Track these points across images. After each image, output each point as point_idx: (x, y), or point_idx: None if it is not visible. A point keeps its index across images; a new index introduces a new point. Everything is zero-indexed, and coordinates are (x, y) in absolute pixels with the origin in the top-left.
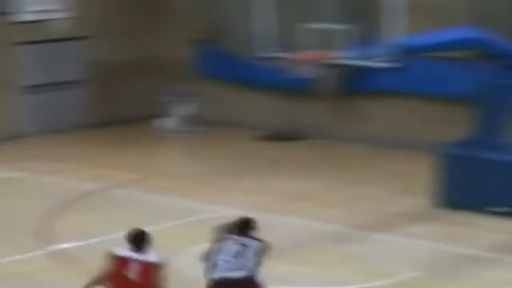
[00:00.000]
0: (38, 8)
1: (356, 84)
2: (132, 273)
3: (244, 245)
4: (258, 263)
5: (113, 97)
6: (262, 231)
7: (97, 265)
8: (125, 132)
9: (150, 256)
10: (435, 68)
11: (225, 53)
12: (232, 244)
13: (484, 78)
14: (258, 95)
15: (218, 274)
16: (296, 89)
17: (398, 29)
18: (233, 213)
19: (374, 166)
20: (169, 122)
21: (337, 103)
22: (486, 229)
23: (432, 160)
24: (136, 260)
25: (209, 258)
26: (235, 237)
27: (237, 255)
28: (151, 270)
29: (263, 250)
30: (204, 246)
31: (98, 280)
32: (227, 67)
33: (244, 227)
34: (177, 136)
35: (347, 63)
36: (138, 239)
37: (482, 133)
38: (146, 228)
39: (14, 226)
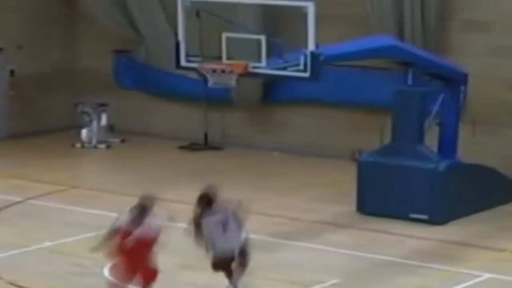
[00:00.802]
0: None
1: (275, 93)
2: (130, 243)
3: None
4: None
5: (32, 108)
6: (183, 243)
7: (17, 277)
8: (45, 144)
9: (146, 225)
10: (353, 77)
11: (141, 64)
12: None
13: (399, 86)
14: (177, 105)
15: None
16: (216, 99)
17: (315, 38)
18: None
19: (295, 175)
20: (88, 133)
21: (256, 113)
22: (405, 236)
23: (352, 168)
24: (133, 230)
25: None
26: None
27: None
28: (147, 240)
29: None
30: None
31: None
32: (146, 77)
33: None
34: (97, 147)
35: (266, 72)
36: (144, 206)
37: (398, 140)
38: (66, 240)
39: None
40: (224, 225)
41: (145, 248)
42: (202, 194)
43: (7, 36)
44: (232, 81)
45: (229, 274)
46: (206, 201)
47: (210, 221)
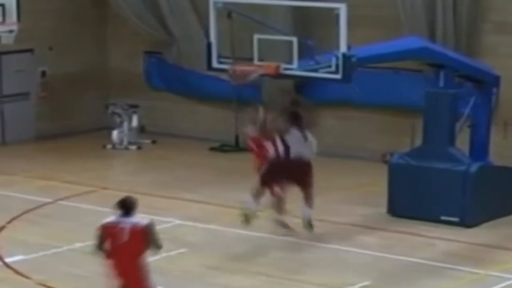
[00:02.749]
0: None
1: (306, 95)
2: (124, 236)
3: None
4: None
5: (62, 109)
6: (217, 242)
7: (46, 278)
8: (75, 145)
9: (137, 219)
10: (384, 78)
11: (173, 65)
12: None
13: (430, 88)
14: (208, 106)
15: None
16: (247, 100)
17: (345, 40)
18: (187, 225)
19: (325, 176)
20: (119, 134)
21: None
22: (436, 238)
23: (384, 170)
24: (125, 224)
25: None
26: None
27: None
28: (139, 232)
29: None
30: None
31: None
32: (177, 78)
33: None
34: (128, 148)
35: (296, 74)
36: (126, 205)
37: (429, 142)
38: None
39: None
40: (305, 135)
41: (139, 245)
42: (293, 111)
43: (38, 37)
44: (264, 83)
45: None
46: (294, 116)
47: (295, 131)
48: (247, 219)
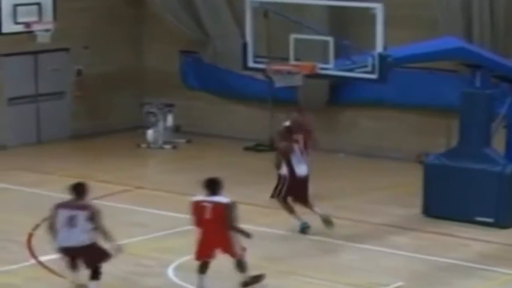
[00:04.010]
0: (24, 19)
1: (341, 95)
2: (207, 214)
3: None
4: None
5: (98, 108)
6: (251, 242)
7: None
8: (110, 144)
9: (220, 198)
10: (420, 79)
11: (210, 64)
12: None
13: (466, 88)
14: (243, 106)
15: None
16: (282, 100)
17: (381, 40)
18: None
19: (360, 176)
20: (154, 134)
21: (323, 114)
22: (470, 239)
23: (419, 171)
24: (209, 202)
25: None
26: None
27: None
28: (221, 209)
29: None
30: (191, 256)
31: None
32: (212, 78)
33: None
34: (162, 148)
35: (332, 73)
36: (211, 185)
37: (465, 143)
38: (130, 240)
39: None
40: (302, 152)
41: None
42: (287, 126)
43: (74, 36)
44: (298, 81)
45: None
46: (289, 131)
47: (296, 148)
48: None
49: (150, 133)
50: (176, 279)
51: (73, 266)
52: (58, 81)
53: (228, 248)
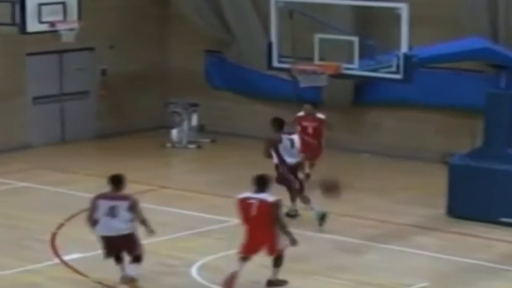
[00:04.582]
0: (49, 18)
1: (366, 95)
2: (253, 210)
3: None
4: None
5: (122, 107)
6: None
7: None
8: (135, 143)
9: (266, 195)
10: (445, 79)
11: (233, 64)
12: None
13: (493, 88)
14: (268, 106)
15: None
16: (307, 100)
17: (407, 40)
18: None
19: (384, 176)
20: (179, 133)
21: (347, 114)
22: (495, 240)
23: (444, 171)
24: (255, 199)
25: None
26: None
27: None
28: (266, 207)
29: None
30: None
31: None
32: (237, 78)
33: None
34: (187, 147)
35: (357, 74)
36: (260, 182)
37: (490, 144)
38: (154, 240)
39: (24, 236)
40: (292, 142)
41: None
42: (275, 118)
43: (99, 35)
44: (323, 81)
45: (290, 189)
46: (279, 124)
47: (285, 138)
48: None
49: (174, 132)
50: (199, 279)
51: (119, 258)
52: (82, 81)
53: (272, 246)
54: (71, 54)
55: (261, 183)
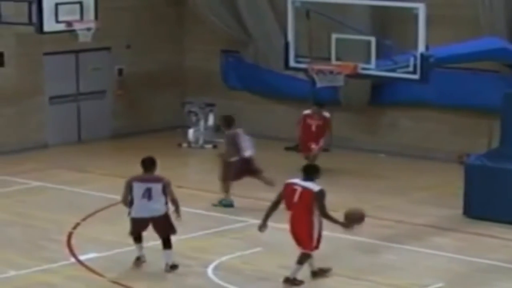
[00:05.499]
0: (66, 18)
1: (383, 95)
2: (296, 197)
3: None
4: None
5: (139, 107)
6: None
7: (120, 276)
8: (151, 143)
9: (311, 184)
10: (462, 79)
11: (250, 64)
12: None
13: (509, 89)
14: (285, 106)
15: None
16: (324, 99)
17: (423, 40)
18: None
19: (400, 177)
20: (195, 133)
21: (364, 114)
22: (510, 240)
23: (460, 172)
24: (300, 186)
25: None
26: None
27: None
28: (308, 195)
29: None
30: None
31: (275, 204)
32: (254, 77)
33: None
34: (203, 147)
35: (374, 74)
36: (308, 170)
37: (506, 144)
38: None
39: (39, 236)
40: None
41: (306, 207)
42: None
43: (116, 35)
44: (340, 81)
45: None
46: (228, 121)
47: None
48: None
49: (191, 132)
50: (215, 279)
51: (139, 238)
52: (99, 80)
53: (306, 238)
54: (87, 53)
55: (310, 172)
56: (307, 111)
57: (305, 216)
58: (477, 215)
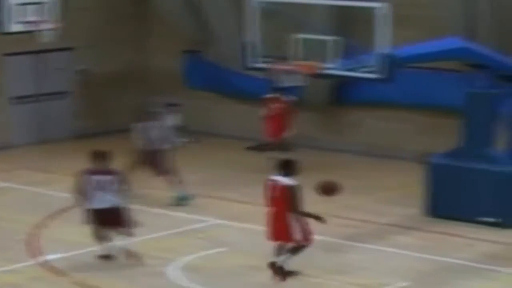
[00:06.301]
0: (27, 19)
1: (346, 94)
2: (271, 192)
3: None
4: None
5: (101, 107)
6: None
7: (84, 276)
8: (114, 143)
9: (286, 180)
10: (424, 79)
11: (212, 64)
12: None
13: (472, 88)
14: (247, 105)
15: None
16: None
17: (387, 40)
18: (225, 224)
19: (364, 176)
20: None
21: (327, 114)
22: (474, 239)
23: (422, 171)
24: (276, 182)
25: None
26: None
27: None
28: (282, 190)
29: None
30: (195, 256)
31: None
32: (216, 77)
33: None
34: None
35: (337, 73)
36: (283, 165)
37: (471, 143)
38: (132, 240)
39: (4, 236)
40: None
41: (284, 202)
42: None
43: (78, 35)
44: (302, 81)
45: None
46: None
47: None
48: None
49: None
50: (177, 279)
51: (101, 236)
52: (61, 81)
53: (283, 233)
54: (49, 54)
55: (284, 167)
56: (269, 95)
57: (282, 211)
58: (441, 214)
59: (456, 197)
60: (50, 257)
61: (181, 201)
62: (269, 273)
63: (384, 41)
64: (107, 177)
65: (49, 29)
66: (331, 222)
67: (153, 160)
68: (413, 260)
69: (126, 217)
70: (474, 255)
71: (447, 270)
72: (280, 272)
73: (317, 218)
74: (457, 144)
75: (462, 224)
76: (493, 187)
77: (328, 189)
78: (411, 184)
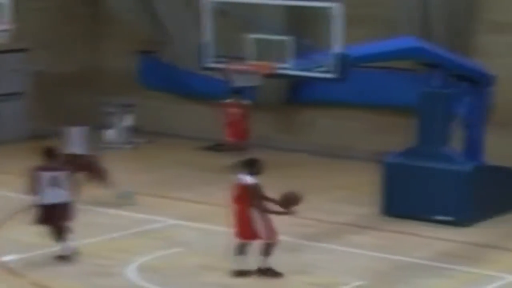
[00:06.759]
0: None
1: (300, 94)
2: (234, 191)
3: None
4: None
5: (54, 108)
6: (211, 241)
7: (40, 277)
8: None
9: (248, 178)
10: (378, 78)
11: (167, 64)
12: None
13: (425, 87)
14: (203, 106)
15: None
16: (242, 99)
17: (340, 39)
18: (181, 224)
19: (319, 176)
20: (112, 133)
21: (282, 113)
22: (431, 238)
23: (376, 170)
24: (239, 181)
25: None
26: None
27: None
28: (243, 189)
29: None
30: (151, 256)
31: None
32: (169, 78)
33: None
34: (120, 147)
35: (289, 73)
36: (246, 164)
37: (423, 142)
38: (88, 241)
39: None
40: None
41: (245, 200)
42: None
43: (31, 36)
44: (256, 81)
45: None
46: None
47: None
48: None
49: (109, 133)
50: (135, 279)
51: (58, 236)
52: (16, 82)
53: (245, 230)
54: (3, 55)
55: (247, 166)
56: (227, 100)
57: (246, 210)
58: (396, 214)
59: (411, 196)
60: (5, 258)
61: (123, 198)
62: (224, 272)
63: (337, 41)
64: (59, 173)
65: (2, 30)
66: (288, 222)
67: (83, 165)
68: (370, 259)
69: (74, 213)
70: (430, 254)
71: (404, 268)
72: (273, 273)
73: (284, 213)
74: (412, 143)
75: (418, 223)
76: (447, 186)
77: (289, 201)
78: (366, 183)
